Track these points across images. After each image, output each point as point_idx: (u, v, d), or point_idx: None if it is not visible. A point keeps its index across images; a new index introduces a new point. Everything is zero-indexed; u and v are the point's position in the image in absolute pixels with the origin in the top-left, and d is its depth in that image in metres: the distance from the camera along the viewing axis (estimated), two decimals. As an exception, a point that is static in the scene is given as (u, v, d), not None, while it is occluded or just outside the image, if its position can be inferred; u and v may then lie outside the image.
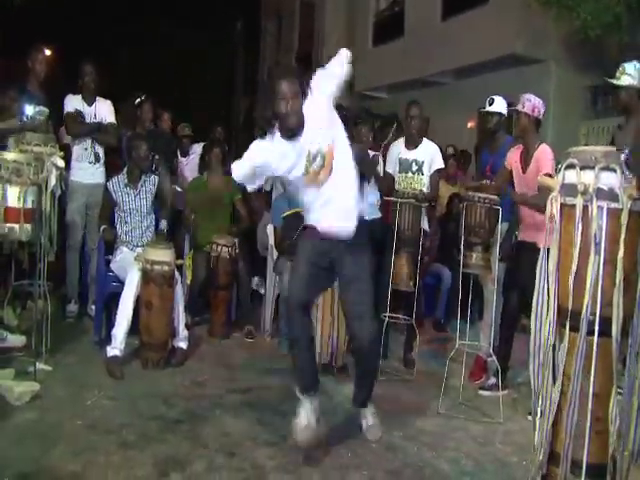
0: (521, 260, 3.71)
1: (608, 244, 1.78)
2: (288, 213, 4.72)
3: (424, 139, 4.47)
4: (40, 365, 3.44)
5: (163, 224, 4.48)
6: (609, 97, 7.46)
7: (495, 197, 3.62)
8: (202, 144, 5.70)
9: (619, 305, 1.76)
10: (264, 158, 2.73)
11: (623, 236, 1.76)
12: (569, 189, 1.84)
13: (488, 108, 4.28)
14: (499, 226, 3.65)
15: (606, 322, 1.77)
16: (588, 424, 1.79)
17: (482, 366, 4.05)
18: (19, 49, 5.10)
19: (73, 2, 17.15)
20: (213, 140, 5.68)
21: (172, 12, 18.95)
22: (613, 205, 1.78)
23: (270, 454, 2.75)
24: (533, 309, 1.92)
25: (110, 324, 4.02)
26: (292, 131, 2.70)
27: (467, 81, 9.86)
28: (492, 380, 3.85)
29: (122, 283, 3.95)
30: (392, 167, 4.49)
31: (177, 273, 4.01)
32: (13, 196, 3.29)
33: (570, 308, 1.83)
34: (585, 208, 1.80)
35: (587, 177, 1.80)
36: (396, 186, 4.36)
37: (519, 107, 3.77)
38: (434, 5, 10.57)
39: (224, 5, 19.02)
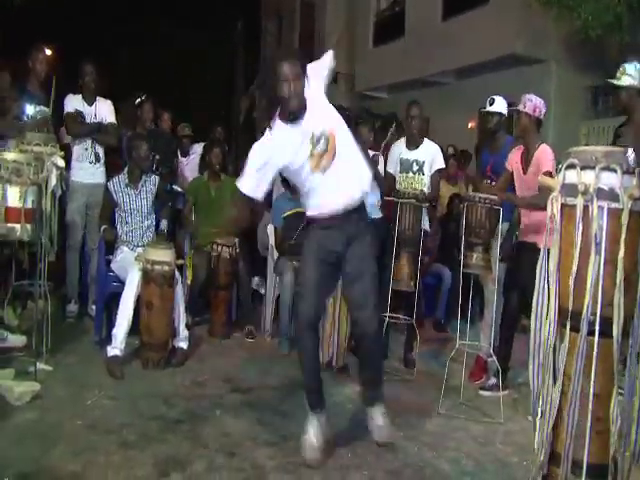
0: (521, 260, 3.70)
1: (609, 244, 1.78)
2: (288, 213, 4.72)
3: (425, 139, 4.47)
4: (40, 365, 3.44)
5: (163, 224, 4.48)
6: (610, 97, 7.47)
7: (496, 197, 3.62)
8: (202, 144, 5.71)
9: (620, 305, 1.76)
10: (266, 155, 2.70)
11: (624, 236, 1.76)
12: (570, 189, 1.84)
13: (489, 108, 4.28)
14: (500, 226, 3.65)
15: (607, 322, 1.77)
16: (589, 424, 1.79)
17: (482, 366, 4.05)
18: (19, 49, 5.10)
19: (73, 2, 17.14)
20: (213, 140, 5.69)
21: (172, 12, 18.95)
22: (614, 205, 1.78)
23: (270, 454, 2.75)
24: (533, 309, 1.92)
25: (110, 324, 4.02)
26: (295, 113, 2.67)
27: (467, 81, 9.87)
28: (492, 380, 3.85)
29: (122, 283, 3.95)
30: (393, 167, 4.49)
31: (177, 273, 4.01)
32: (13, 196, 3.29)
33: (571, 308, 1.82)
34: (586, 208, 1.79)
35: (588, 177, 1.80)
36: (397, 186, 4.36)
37: (520, 107, 3.77)
38: (435, 5, 10.57)
39: (224, 5, 19.02)
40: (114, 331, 3.75)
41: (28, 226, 3.37)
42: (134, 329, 3.81)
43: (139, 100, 5.50)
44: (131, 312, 3.78)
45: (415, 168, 4.38)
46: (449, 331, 5.27)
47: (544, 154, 3.67)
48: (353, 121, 4.46)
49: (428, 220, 4.44)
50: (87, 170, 4.81)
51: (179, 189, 5.75)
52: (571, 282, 1.81)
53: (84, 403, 3.16)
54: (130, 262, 3.94)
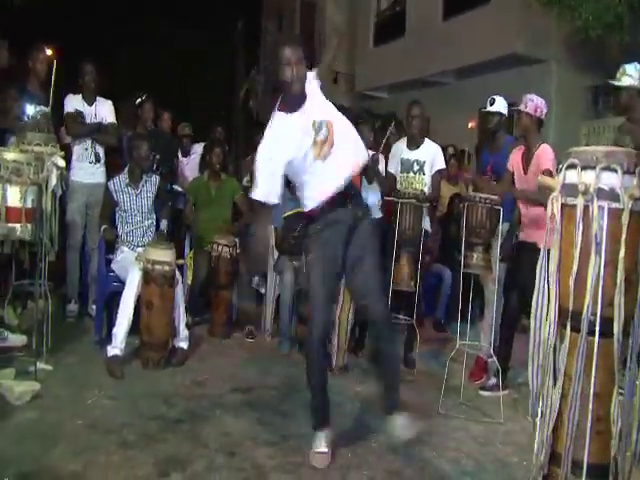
0: (521, 260, 3.70)
1: (609, 244, 1.77)
2: (288, 213, 4.72)
3: (426, 139, 4.47)
4: (41, 365, 3.44)
5: (163, 224, 4.48)
6: (610, 97, 7.46)
7: (496, 197, 3.62)
8: (203, 144, 5.71)
9: (620, 305, 1.76)
10: (269, 151, 2.68)
11: (624, 236, 1.76)
12: (570, 189, 1.84)
13: (489, 108, 4.28)
14: (500, 226, 3.65)
15: (607, 322, 1.77)
16: (589, 424, 1.79)
17: (482, 366, 4.05)
18: (19, 49, 5.10)
19: (73, 2, 17.15)
20: (213, 140, 5.69)
21: (172, 12, 18.96)
22: (614, 205, 1.78)
23: (270, 454, 2.75)
24: (533, 309, 1.92)
25: (111, 324, 4.02)
26: (297, 97, 2.67)
27: (468, 81, 9.87)
28: (492, 380, 3.85)
29: (123, 283, 3.95)
30: (394, 167, 4.49)
31: (178, 273, 4.01)
32: (14, 196, 3.29)
33: (571, 308, 1.82)
34: (586, 208, 1.79)
35: (588, 177, 1.80)
36: (397, 186, 4.36)
37: (522, 107, 3.76)
38: (435, 5, 10.57)
39: (224, 5, 19.03)
40: (114, 331, 3.75)
41: (28, 226, 3.36)
42: (134, 329, 3.81)
43: (139, 100, 5.50)
44: (131, 312, 3.78)
45: (416, 168, 4.38)
46: (449, 331, 5.27)
47: (544, 153, 3.67)
48: (353, 121, 4.45)
49: (429, 220, 4.44)
50: (87, 170, 4.81)
51: (179, 189, 5.75)
52: (571, 282, 1.81)
53: (84, 403, 3.16)
54: (130, 262, 3.94)
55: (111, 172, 4.78)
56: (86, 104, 4.81)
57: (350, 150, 2.78)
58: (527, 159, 3.77)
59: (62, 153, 3.70)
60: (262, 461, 2.68)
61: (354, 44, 12.82)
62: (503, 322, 3.86)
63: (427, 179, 4.38)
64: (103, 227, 4.31)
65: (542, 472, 1.88)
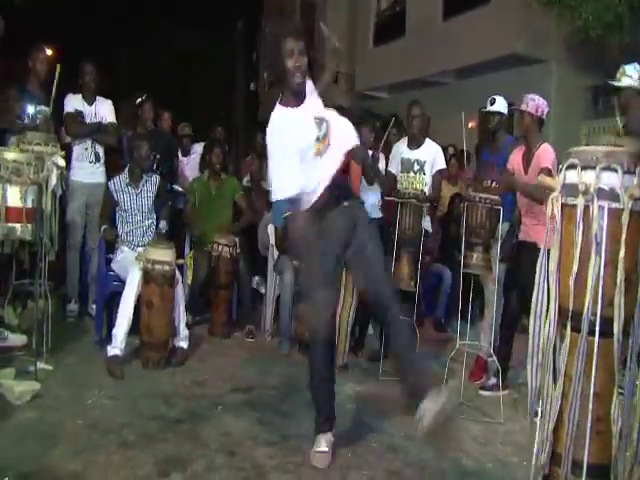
0: (521, 260, 3.70)
1: (609, 244, 1.77)
2: (289, 213, 4.72)
3: (427, 139, 4.48)
4: (41, 364, 3.44)
5: (162, 224, 4.48)
6: (610, 97, 7.46)
7: (496, 197, 3.62)
8: (203, 144, 5.71)
9: (620, 305, 1.76)
10: (273, 144, 2.65)
11: (624, 236, 1.76)
12: (570, 189, 1.84)
13: (489, 108, 4.28)
14: (500, 226, 3.65)
15: (607, 322, 1.77)
16: (589, 424, 1.79)
17: (482, 366, 4.05)
18: (19, 49, 5.10)
19: (73, 2, 17.13)
20: (214, 140, 5.69)
21: (172, 12, 18.92)
22: (614, 205, 1.78)
23: (270, 454, 2.75)
24: (532, 309, 1.92)
25: (111, 323, 4.02)
26: (299, 91, 2.65)
27: (468, 81, 9.87)
28: (492, 380, 3.85)
29: (123, 282, 3.95)
30: (395, 167, 4.49)
31: (178, 273, 4.01)
32: (14, 196, 3.29)
33: (571, 308, 1.82)
34: (586, 208, 1.79)
35: (588, 177, 1.80)
36: (398, 186, 4.36)
37: (523, 106, 3.77)
38: (435, 5, 10.58)
39: (224, 5, 19.01)
40: (114, 331, 3.75)
41: (29, 226, 3.36)
42: (134, 328, 3.81)
43: (139, 100, 5.51)
44: (131, 311, 3.77)
45: (416, 168, 4.39)
46: (449, 331, 5.27)
47: (545, 153, 3.67)
48: (353, 122, 4.45)
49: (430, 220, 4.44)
50: (87, 170, 4.81)
51: (179, 189, 5.76)
52: (571, 282, 1.81)
53: (84, 403, 3.16)
54: (130, 262, 3.94)
55: (111, 172, 4.78)
56: (86, 104, 4.81)
57: (341, 147, 2.76)
58: (528, 159, 3.77)
59: (62, 153, 3.71)
60: (262, 461, 2.67)
61: (354, 44, 12.82)
62: (503, 322, 3.86)
63: (427, 179, 4.38)
64: (103, 227, 4.31)
65: (542, 472, 1.88)
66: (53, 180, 3.51)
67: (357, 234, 2.75)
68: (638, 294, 1.82)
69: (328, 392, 2.79)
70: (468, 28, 9.24)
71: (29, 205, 3.35)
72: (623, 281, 1.76)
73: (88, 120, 4.80)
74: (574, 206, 1.81)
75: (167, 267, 3.81)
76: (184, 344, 4.01)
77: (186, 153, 6.39)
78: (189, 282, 4.91)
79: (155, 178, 4.51)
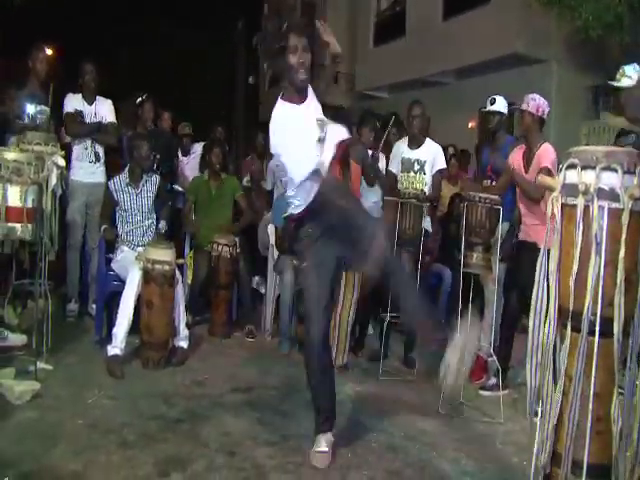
0: (521, 260, 3.71)
1: (609, 244, 1.77)
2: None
3: (427, 139, 4.48)
4: (41, 364, 3.44)
5: (162, 224, 4.48)
6: (610, 97, 7.47)
7: (496, 197, 3.62)
8: (203, 143, 5.72)
9: (620, 305, 1.76)
10: (284, 138, 2.61)
11: (624, 236, 1.76)
12: (570, 189, 1.84)
13: (489, 108, 4.29)
14: (500, 226, 3.65)
15: (607, 322, 1.77)
16: (589, 424, 1.79)
17: (483, 366, 4.05)
18: (19, 49, 5.10)
19: (73, 2, 17.14)
20: (214, 140, 5.69)
21: (172, 12, 18.93)
22: (614, 205, 1.78)
23: (270, 453, 2.75)
24: (532, 309, 1.92)
25: (111, 323, 4.02)
26: (301, 88, 2.64)
27: (468, 81, 9.88)
28: (492, 380, 3.85)
29: (123, 282, 3.95)
30: (395, 166, 4.49)
31: (178, 272, 4.01)
32: (14, 195, 3.29)
33: (571, 308, 1.82)
34: (586, 208, 1.79)
35: (588, 177, 1.80)
36: (398, 186, 4.36)
37: (524, 106, 3.77)
38: (435, 5, 10.58)
39: (224, 5, 19.02)
40: (114, 330, 3.75)
41: (29, 226, 3.36)
42: (134, 328, 3.81)
43: (139, 100, 5.51)
44: (131, 311, 3.77)
45: (416, 168, 4.39)
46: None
47: (545, 152, 3.67)
48: (354, 122, 4.47)
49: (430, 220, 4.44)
50: (87, 169, 4.81)
51: (179, 188, 5.76)
52: (571, 282, 1.81)
53: (84, 402, 3.16)
54: (130, 261, 3.94)
55: (111, 172, 4.78)
56: (86, 103, 4.81)
57: (334, 139, 2.72)
58: (528, 158, 3.77)
59: (62, 152, 3.70)
60: (262, 461, 2.67)
61: (354, 44, 12.82)
62: (503, 322, 3.86)
63: (428, 179, 4.38)
64: (103, 227, 4.31)
65: (542, 472, 1.88)
66: (53, 180, 3.51)
67: (353, 230, 2.69)
68: (638, 294, 1.81)
69: (328, 392, 2.79)
70: (468, 28, 9.25)
71: (29, 205, 3.35)
72: (623, 281, 1.76)
73: (88, 120, 4.80)
74: (574, 206, 1.81)
75: (167, 267, 3.81)
76: (184, 344, 4.01)
77: (186, 153, 6.39)
78: (189, 282, 4.91)
79: (155, 178, 4.51)
